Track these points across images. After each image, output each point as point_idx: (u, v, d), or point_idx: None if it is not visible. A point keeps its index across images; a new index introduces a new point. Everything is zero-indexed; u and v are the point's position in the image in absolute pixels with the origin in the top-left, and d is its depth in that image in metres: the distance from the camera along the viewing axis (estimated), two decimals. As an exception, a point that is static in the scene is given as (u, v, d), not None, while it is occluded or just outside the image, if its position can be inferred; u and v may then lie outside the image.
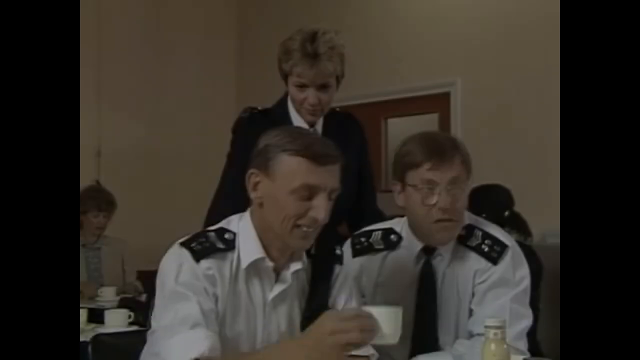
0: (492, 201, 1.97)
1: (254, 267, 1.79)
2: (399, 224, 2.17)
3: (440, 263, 2.08)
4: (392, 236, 2.14)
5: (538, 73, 4.59)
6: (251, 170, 1.77)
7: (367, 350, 1.84)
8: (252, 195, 1.78)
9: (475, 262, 2.06)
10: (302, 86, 2.39)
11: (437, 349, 2.05)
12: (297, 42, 2.37)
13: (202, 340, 1.64)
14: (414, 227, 2.11)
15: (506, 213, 3.48)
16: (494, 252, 2.05)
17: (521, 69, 4.73)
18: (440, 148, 2.03)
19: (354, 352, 1.80)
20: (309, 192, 1.72)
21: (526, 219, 3.73)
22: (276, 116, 2.43)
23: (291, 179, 1.71)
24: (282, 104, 2.51)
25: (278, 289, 1.82)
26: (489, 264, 2.04)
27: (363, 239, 2.17)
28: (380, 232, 2.17)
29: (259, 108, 2.52)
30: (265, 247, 1.79)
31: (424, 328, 2.06)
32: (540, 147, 4.56)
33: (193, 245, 1.75)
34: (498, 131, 4.77)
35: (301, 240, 1.76)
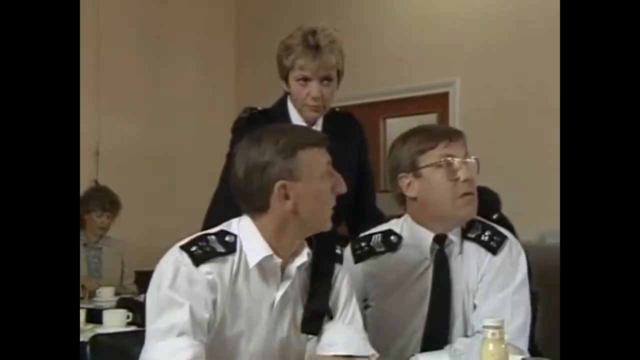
0: (482, 203, 2.01)
1: (259, 267, 1.78)
2: (397, 225, 2.17)
3: (452, 250, 2.10)
4: (392, 237, 2.15)
5: (537, 73, 4.58)
6: (280, 183, 1.73)
7: (367, 351, 1.84)
8: (286, 206, 1.75)
9: (476, 253, 2.09)
10: (304, 80, 2.39)
11: (448, 339, 2.05)
12: (298, 37, 2.38)
13: (185, 349, 1.65)
14: (424, 217, 2.10)
15: (495, 216, 3.49)
16: (494, 242, 2.09)
17: (520, 69, 4.72)
18: (448, 129, 2.19)
19: (355, 353, 1.81)
20: (329, 171, 1.80)
21: (525, 219, 3.72)
22: (276, 116, 2.43)
23: (317, 167, 1.77)
24: (281, 104, 2.51)
25: (285, 285, 1.81)
26: (489, 254, 2.07)
27: (363, 244, 2.17)
28: (379, 234, 2.17)
29: (259, 108, 2.52)
30: (271, 246, 1.79)
31: (437, 319, 2.07)
32: (539, 147, 4.56)
33: (193, 249, 1.74)
34: (497, 131, 4.76)
35: (330, 220, 1.82)
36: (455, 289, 2.08)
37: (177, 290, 1.69)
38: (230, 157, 2.47)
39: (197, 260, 1.72)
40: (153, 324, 1.70)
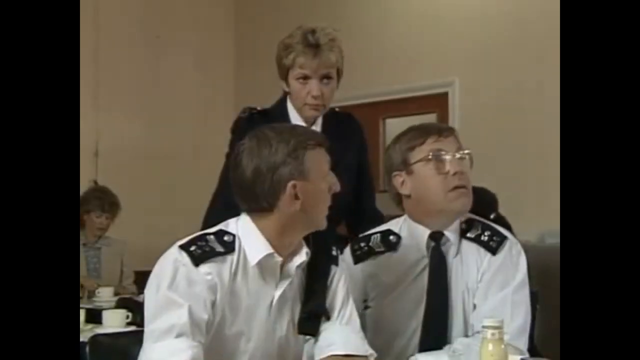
0: (479, 203, 2.03)
1: (258, 266, 1.78)
2: (396, 225, 2.18)
3: (449, 249, 2.10)
4: (391, 237, 2.15)
5: (537, 73, 4.59)
6: (292, 183, 1.74)
7: (365, 350, 1.84)
8: (295, 206, 1.76)
9: (476, 253, 2.09)
10: (304, 78, 2.39)
11: (446, 339, 2.05)
12: (297, 36, 2.39)
13: (184, 350, 1.64)
14: (420, 214, 2.11)
15: (492, 215, 3.50)
16: (493, 242, 2.09)
17: (520, 69, 4.73)
18: (438, 125, 2.25)
19: (353, 352, 1.81)
20: (329, 171, 1.81)
21: (525, 219, 3.73)
22: (275, 116, 2.42)
23: (322, 167, 1.80)
24: (281, 104, 2.51)
25: (284, 284, 1.81)
26: (488, 254, 2.07)
27: (363, 244, 2.17)
28: (378, 234, 2.17)
29: (258, 108, 2.52)
30: (272, 245, 1.78)
31: (434, 319, 2.07)
32: (539, 147, 4.56)
33: (192, 249, 1.73)
34: (497, 131, 4.77)
35: (326, 220, 1.83)
36: (454, 288, 2.08)
37: (176, 291, 1.69)
38: (229, 157, 2.48)
39: (197, 260, 1.72)
40: (151, 324, 1.70)
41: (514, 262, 2.08)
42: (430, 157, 2.05)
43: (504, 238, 2.10)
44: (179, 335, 1.65)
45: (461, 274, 2.09)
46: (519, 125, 4.71)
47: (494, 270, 2.06)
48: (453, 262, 2.10)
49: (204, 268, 1.72)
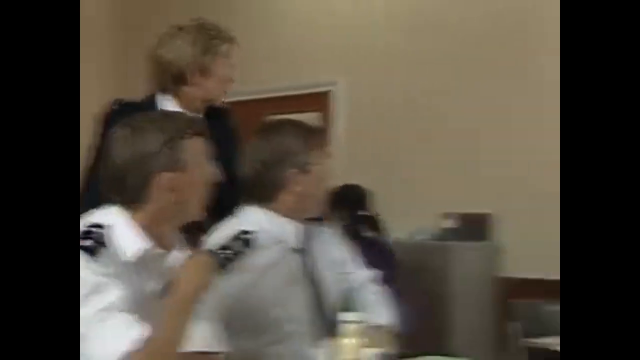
0: (349, 199, 2.13)
1: (138, 260, 1.68)
2: (241, 224, 2.08)
3: (314, 235, 2.24)
4: (247, 235, 2.03)
5: (421, 72, 4.73)
6: (165, 174, 1.67)
7: (219, 347, 1.79)
8: (169, 197, 1.69)
9: (324, 232, 2.31)
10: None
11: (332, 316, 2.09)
12: (211, 29, 2.48)
13: (137, 323, 1.58)
14: (297, 210, 2.16)
15: (359, 212, 3.57)
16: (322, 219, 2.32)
17: (404, 69, 4.84)
18: (316, 127, 2.40)
19: (207, 350, 1.76)
20: (208, 161, 1.76)
21: (396, 217, 3.86)
22: (145, 109, 2.36)
23: (199, 157, 1.74)
24: (150, 98, 2.47)
25: (166, 276, 1.71)
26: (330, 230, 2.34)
27: (227, 252, 1.95)
28: (236, 238, 1.97)
29: (126, 100, 2.46)
30: (149, 238, 1.70)
31: (317, 299, 2.17)
32: (412, 149, 4.70)
33: (87, 244, 1.61)
34: (376, 131, 4.86)
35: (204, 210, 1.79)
36: (321, 265, 2.21)
37: (98, 274, 1.59)
38: (99, 149, 2.37)
39: (92, 254, 1.61)
40: (83, 307, 1.55)
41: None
42: (323, 161, 2.17)
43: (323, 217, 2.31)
44: (122, 311, 1.58)
45: (323, 253, 2.24)
46: (397, 126, 4.80)
47: (334, 240, 2.31)
48: (317, 245, 2.23)
49: (98, 261, 1.61)
